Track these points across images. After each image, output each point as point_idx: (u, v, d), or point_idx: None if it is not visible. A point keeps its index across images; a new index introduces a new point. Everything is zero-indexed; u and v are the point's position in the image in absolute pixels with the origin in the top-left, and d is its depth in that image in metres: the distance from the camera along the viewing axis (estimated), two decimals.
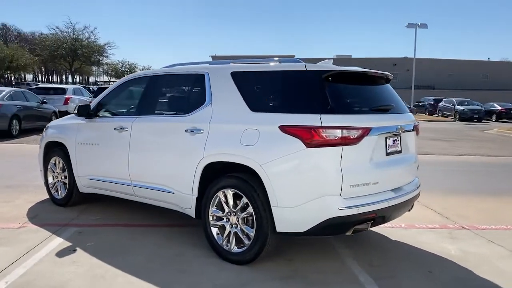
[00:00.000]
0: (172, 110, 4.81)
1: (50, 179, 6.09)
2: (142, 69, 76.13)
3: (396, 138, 4.08)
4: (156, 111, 4.87)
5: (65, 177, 5.81)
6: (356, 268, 4.00)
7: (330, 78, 3.74)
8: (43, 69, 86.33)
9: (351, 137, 3.57)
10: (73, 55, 49.99)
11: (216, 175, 4.11)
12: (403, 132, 4.16)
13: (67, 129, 5.82)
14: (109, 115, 5.40)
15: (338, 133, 3.51)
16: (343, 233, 3.69)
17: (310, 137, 3.52)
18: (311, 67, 3.78)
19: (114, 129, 5.10)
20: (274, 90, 3.99)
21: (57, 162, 5.95)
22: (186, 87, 4.58)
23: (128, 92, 5.35)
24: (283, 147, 3.63)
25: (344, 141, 3.53)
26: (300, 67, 3.83)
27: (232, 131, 3.98)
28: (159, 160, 4.60)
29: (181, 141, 4.37)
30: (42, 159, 6.18)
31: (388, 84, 4.48)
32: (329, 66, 3.86)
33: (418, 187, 4.42)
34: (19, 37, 74.62)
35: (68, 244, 4.46)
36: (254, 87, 4.07)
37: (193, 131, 4.25)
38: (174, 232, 4.89)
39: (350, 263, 4.10)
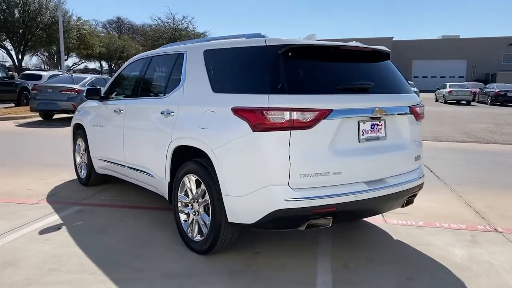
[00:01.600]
0: (155, 92, 4.71)
1: (77, 159, 6.40)
2: None
3: (377, 122, 3.52)
4: (144, 93, 4.81)
5: (87, 158, 6.05)
6: (324, 268, 3.56)
7: (290, 54, 3.30)
8: None
9: (303, 120, 3.12)
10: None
11: (185, 159, 3.92)
12: (389, 115, 3.58)
13: (86, 112, 6.05)
14: (116, 97, 5.47)
15: (286, 115, 3.09)
16: (295, 227, 3.27)
17: (255, 120, 3.15)
18: (271, 41, 3.37)
19: (114, 111, 5.16)
20: (233, 68, 3.66)
21: (80, 144, 6.23)
22: (169, 67, 4.43)
23: (132, 74, 5.36)
24: (232, 131, 3.32)
25: (294, 125, 3.10)
26: (259, 42, 3.44)
27: (195, 113, 3.75)
28: (142, 143, 4.56)
29: (157, 124, 4.26)
30: (71, 140, 6.52)
31: (385, 61, 3.89)
32: (291, 40, 3.40)
33: (415, 180, 3.78)
34: (131, 29, 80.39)
35: (59, 222, 4.61)
36: (217, 66, 3.78)
37: (167, 113, 4.10)
38: (165, 215, 4.81)
39: (322, 262, 3.67)
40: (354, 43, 3.84)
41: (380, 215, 4.88)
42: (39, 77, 20.91)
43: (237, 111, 3.28)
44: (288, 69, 3.23)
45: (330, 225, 3.32)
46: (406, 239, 4.25)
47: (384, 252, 3.92)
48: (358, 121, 3.40)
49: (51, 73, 22.32)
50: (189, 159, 3.83)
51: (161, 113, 4.17)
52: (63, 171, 6.95)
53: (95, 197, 5.63)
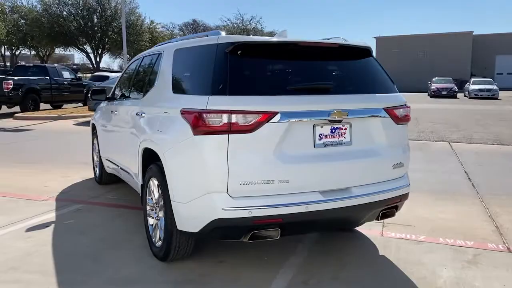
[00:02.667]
0: (137, 93, 4.67)
1: (94, 158, 6.60)
2: None
3: (339, 126, 3.17)
4: (131, 94, 4.81)
5: (98, 157, 6.21)
6: (281, 282, 3.28)
7: (239, 52, 3.08)
8: None
9: (243, 123, 2.88)
10: None
11: (154, 162, 3.83)
12: (356, 118, 3.22)
13: (97, 112, 6.21)
14: (117, 98, 5.54)
15: (225, 118, 2.87)
16: (237, 239, 3.04)
17: (195, 123, 2.97)
18: (223, 39, 3.16)
19: (111, 112, 5.22)
20: (189, 68, 3.50)
21: (95, 143, 6.41)
22: (150, 67, 4.36)
23: (127, 75, 5.38)
24: (178, 134, 3.17)
25: (232, 128, 2.87)
26: (212, 40, 3.25)
27: (156, 115, 3.66)
28: (125, 145, 4.56)
29: (133, 126, 4.24)
30: (91, 140, 6.74)
31: (363, 58, 3.52)
32: (240, 37, 3.15)
33: (392, 190, 3.38)
34: (206, 31, 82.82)
35: (52, 220, 4.74)
36: (179, 66, 3.64)
37: (140, 114, 4.05)
38: None
39: (283, 275, 3.39)
40: (332, 39, 3.52)
41: (380, 225, 4.47)
42: (106, 78, 22.12)
43: (183, 112, 3.12)
44: (233, 68, 3.01)
45: (278, 237, 3.05)
46: (394, 255, 3.82)
47: (358, 269, 3.54)
48: (314, 125, 3.08)
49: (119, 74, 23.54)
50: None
51: (136, 115, 4.13)
52: (87, 170, 7.20)
53: (103, 196, 5.74)
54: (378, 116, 3.32)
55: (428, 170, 7.43)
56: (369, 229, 4.43)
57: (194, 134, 2.97)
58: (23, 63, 32.41)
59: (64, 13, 37.26)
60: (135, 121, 4.15)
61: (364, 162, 3.28)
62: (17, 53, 50.83)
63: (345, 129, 3.21)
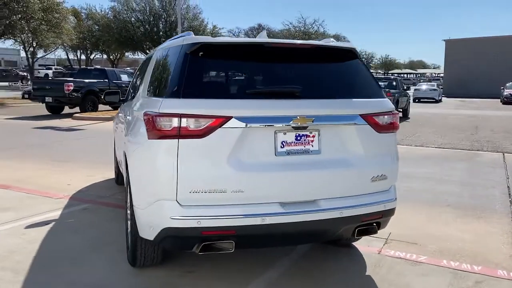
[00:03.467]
0: (134, 94, 4.65)
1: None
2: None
3: (305, 133, 2.92)
4: (130, 96, 4.82)
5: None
6: None
7: (200, 53, 2.94)
8: None
9: (194, 128, 2.73)
10: None
11: None
12: (326, 125, 2.95)
13: (117, 114, 6.33)
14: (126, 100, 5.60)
15: (175, 122, 2.73)
16: (188, 249, 2.88)
17: (149, 126, 2.86)
18: (188, 40, 3.03)
19: (119, 113, 5.29)
20: (159, 70, 3.40)
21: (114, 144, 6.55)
22: (144, 68, 4.33)
23: (136, 76, 5.41)
24: (139, 138, 3.08)
25: (182, 133, 2.73)
26: (179, 42, 3.13)
27: (132, 117, 3.62)
28: (119, 146, 4.57)
29: (123, 128, 4.23)
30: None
31: (345, 60, 3.24)
32: (203, 38, 3.00)
33: (370, 205, 3.06)
34: (270, 35, 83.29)
35: (55, 218, 4.87)
36: (155, 68, 3.57)
37: (127, 116, 4.04)
38: None
39: None
40: (322, 41, 3.29)
41: (381, 242, 4.12)
42: None
43: (144, 115, 3.03)
44: (191, 70, 2.87)
45: (233, 250, 2.85)
46: (381, 276, 3.48)
47: None
48: (275, 132, 2.86)
49: None
50: None
51: (126, 116, 4.13)
52: (111, 169, 7.38)
53: (113, 196, 5.82)
54: (353, 123, 3.02)
55: (466, 183, 6.81)
56: (367, 245, 4.10)
57: (148, 138, 2.87)
58: (97, 66, 34.49)
59: (132, 19, 39.08)
60: (125, 123, 4.15)
61: (335, 173, 3.00)
62: (91, 57, 54.19)
63: (313, 136, 2.95)
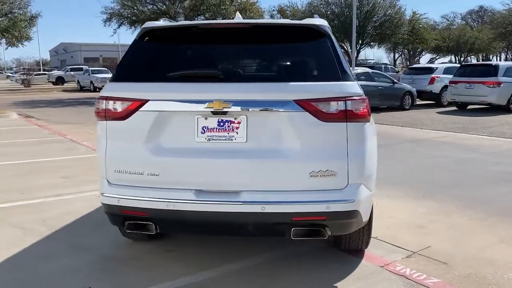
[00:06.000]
0: None
1: None
2: None
3: (229, 119, 2.73)
4: None
5: None
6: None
7: (146, 38, 3.05)
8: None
9: (115, 110, 2.86)
10: None
11: None
12: (254, 112, 2.71)
13: None
14: None
15: (103, 104, 2.92)
16: (119, 226, 3.04)
17: (95, 109, 3.10)
18: (145, 25, 3.14)
19: None
20: None
21: None
22: None
23: None
24: None
25: (108, 115, 2.90)
26: (144, 29, 3.27)
27: None
28: None
29: None
30: None
31: (301, 40, 2.89)
32: (151, 23, 3.06)
33: (307, 203, 2.68)
34: (493, 18, 73.03)
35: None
36: None
37: None
38: None
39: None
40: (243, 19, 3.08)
41: (402, 253, 3.52)
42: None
43: None
44: (132, 55, 3.03)
45: (154, 232, 2.90)
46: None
47: None
48: (197, 116, 2.76)
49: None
50: None
51: None
52: None
53: None
54: (285, 110, 2.67)
55: None
56: (381, 255, 3.54)
57: (97, 120, 3.12)
58: None
59: (328, 12, 39.71)
60: None
61: (262, 164, 2.71)
62: None
63: (239, 123, 2.73)
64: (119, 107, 2.86)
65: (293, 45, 2.95)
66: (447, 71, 18.17)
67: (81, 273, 3.24)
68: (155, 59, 3.01)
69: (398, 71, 35.15)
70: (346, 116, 2.71)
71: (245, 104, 2.70)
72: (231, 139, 2.75)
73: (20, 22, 28.85)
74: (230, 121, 2.74)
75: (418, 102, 17.44)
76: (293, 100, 2.67)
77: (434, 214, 4.55)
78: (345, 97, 2.71)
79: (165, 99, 2.79)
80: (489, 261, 3.43)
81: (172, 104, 2.78)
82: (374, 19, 37.88)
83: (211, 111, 2.72)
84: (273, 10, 52.51)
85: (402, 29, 38.29)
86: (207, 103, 2.70)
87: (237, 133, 2.74)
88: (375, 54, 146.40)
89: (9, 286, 3.09)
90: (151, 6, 27.54)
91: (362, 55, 43.45)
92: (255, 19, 25.78)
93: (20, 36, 29.70)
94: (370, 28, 37.90)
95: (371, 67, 25.08)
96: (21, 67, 61.04)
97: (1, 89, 33.83)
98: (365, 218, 2.99)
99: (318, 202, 2.69)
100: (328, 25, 3.18)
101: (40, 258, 3.49)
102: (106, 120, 2.93)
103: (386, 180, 5.96)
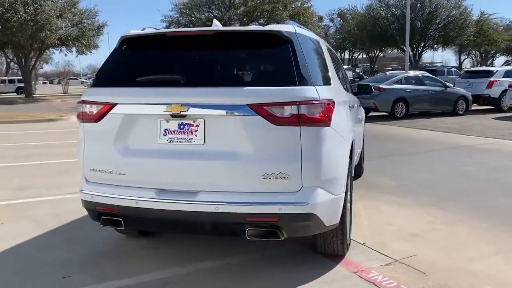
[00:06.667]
0: None
1: None
2: None
3: (189, 122, 2.86)
4: None
5: None
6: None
7: (124, 46, 3.27)
8: None
9: (90, 113, 3.10)
10: None
11: None
12: (211, 116, 2.83)
13: None
14: None
15: (80, 107, 3.18)
16: (96, 221, 3.22)
17: None
18: (126, 33, 3.37)
19: None
20: None
21: None
22: None
23: None
24: None
25: (84, 117, 3.15)
26: (122, 37, 3.47)
27: None
28: None
29: None
30: None
31: (263, 46, 2.97)
32: (129, 32, 3.27)
33: (259, 205, 2.75)
34: None
35: None
36: None
37: None
38: None
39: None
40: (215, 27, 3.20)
41: (381, 261, 3.46)
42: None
43: None
44: (109, 61, 3.26)
45: (123, 227, 3.09)
46: None
47: None
48: (159, 119, 2.92)
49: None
50: None
51: None
52: None
53: None
54: (238, 114, 2.75)
55: None
56: (359, 261, 3.49)
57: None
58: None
59: (388, 15, 38.74)
60: None
61: (218, 166, 2.81)
62: (355, 55, 56.49)
63: (197, 126, 2.85)
64: (93, 110, 3.10)
65: (254, 51, 3.03)
66: (508, 74, 17.10)
67: (67, 264, 3.50)
68: (128, 65, 3.21)
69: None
70: (299, 120, 2.74)
71: (202, 107, 2.82)
72: (190, 141, 2.88)
73: (88, 32, 30.94)
74: (189, 124, 2.87)
75: (475, 107, 16.59)
76: (247, 104, 2.75)
77: (438, 223, 4.39)
78: (298, 101, 2.74)
79: (130, 103, 2.98)
80: (471, 273, 3.27)
81: (137, 107, 2.97)
82: (437, 20, 36.40)
83: (170, 114, 2.86)
84: (333, 14, 52.10)
85: (467, 31, 36.51)
86: (166, 106, 2.85)
87: (195, 135, 2.87)
88: (444, 57, 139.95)
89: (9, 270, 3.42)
90: (207, 14, 28.45)
91: (428, 58, 41.82)
92: (229, 27, 25.68)
93: (88, 45, 31.86)
94: (432, 30, 36.45)
95: (431, 71, 24.06)
96: (94, 73, 65.73)
97: (72, 94, 36.32)
98: (328, 222, 2.98)
99: (271, 204, 2.74)
100: (301, 31, 3.23)
101: (39, 249, 3.81)
102: (84, 123, 3.17)
103: (404, 188, 5.81)
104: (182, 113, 2.82)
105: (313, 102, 2.78)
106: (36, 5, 27.24)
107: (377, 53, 50.23)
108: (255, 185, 2.77)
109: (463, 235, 4.06)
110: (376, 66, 52.78)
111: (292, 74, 2.82)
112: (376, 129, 12.37)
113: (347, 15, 48.42)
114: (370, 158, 7.87)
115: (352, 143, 3.74)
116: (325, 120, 2.84)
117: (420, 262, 3.45)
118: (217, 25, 3.52)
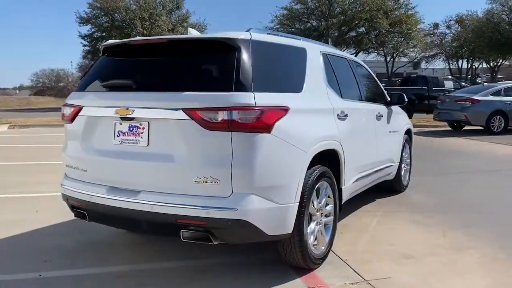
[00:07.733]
0: None
1: None
2: None
3: (136, 124, 3.02)
4: None
5: None
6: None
7: (106, 54, 3.55)
8: None
9: (67, 114, 3.43)
10: None
11: None
12: (154, 119, 2.97)
13: None
14: None
15: (63, 110, 3.52)
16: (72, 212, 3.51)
17: None
18: (106, 42, 3.68)
19: None
20: None
21: None
22: None
23: None
24: None
25: (64, 119, 3.49)
26: (103, 46, 3.75)
27: None
28: None
29: None
30: None
31: (210, 53, 3.06)
32: (110, 41, 3.54)
33: (189, 207, 2.78)
34: None
35: None
36: None
37: None
38: None
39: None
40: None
41: (351, 280, 3.26)
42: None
43: None
44: (93, 68, 3.59)
45: (88, 221, 3.34)
46: None
47: None
48: (115, 121, 3.12)
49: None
50: None
51: None
52: None
53: None
54: (174, 118, 2.83)
55: None
56: (325, 277, 3.32)
57: None
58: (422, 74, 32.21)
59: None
60: None
61: (157, 168, 2.91)
62: (475, 65, 51.88)
63: (143, 128, 2.99)
64: (69, 112, 3.43)
65: (202, 58, 3.08)
66: None
67: (58, 250, 3.86)
68: (99, 71, 3.50)
69: None
70: (230, 126, 2.73)
71: (145, 110, 2.97)
72: (137, 143, 3.03)
73: None
74: (137, 126, 3.03)
75: None
76: (182, 109, 2.81)
77: (446, 247, 3.94)
78: (230, 107, 2.73)
79: (92, 105, 3.27)
80: None
81: (97, 110, 3.23)
82: None
83: (120, 117, 3.06)
84: (450, 20, 48.60)
85: None
86: (116, 109, 3.05)
87: (141, 137, 3.02)
88: None
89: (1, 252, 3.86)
90: (307, 24, 28.57)
91: None
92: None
93: None
94: None
95: None
96: None
97: None
98: (270, 231, 2.91)
99: (199, 207, 2.76)
100: (264, 38, 3.22)
101: (43, 236, 4.24)
102: (65, 123, 3.52)
103: (439, 207, 5.32)
104: (128, 115, 3.00)
105: (247, 108, 2.75)
106: (152, 20, 29.92)
107: (500, 62, 45.53)
108: (188, 188, 2.82)
109: (464, 264, 3.60)
110: (501, 76, 47.84)
111: (230, 80, 2.82)
112: (458, 143, 11.39)
113: (466, 21, 44.74)
114: (429, 174, 7.36)
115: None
116: (261, 126, 2.78)
117: (391, 286, 3.16)
118: (193, 33, 3.64)
